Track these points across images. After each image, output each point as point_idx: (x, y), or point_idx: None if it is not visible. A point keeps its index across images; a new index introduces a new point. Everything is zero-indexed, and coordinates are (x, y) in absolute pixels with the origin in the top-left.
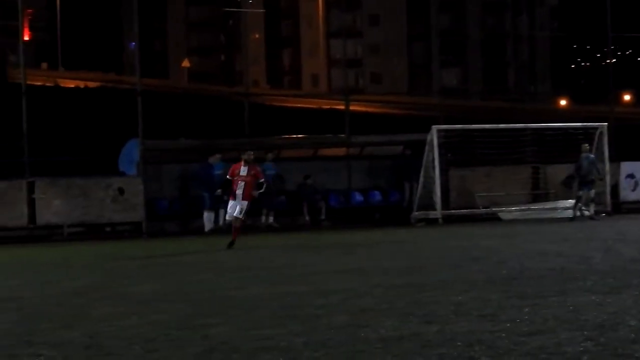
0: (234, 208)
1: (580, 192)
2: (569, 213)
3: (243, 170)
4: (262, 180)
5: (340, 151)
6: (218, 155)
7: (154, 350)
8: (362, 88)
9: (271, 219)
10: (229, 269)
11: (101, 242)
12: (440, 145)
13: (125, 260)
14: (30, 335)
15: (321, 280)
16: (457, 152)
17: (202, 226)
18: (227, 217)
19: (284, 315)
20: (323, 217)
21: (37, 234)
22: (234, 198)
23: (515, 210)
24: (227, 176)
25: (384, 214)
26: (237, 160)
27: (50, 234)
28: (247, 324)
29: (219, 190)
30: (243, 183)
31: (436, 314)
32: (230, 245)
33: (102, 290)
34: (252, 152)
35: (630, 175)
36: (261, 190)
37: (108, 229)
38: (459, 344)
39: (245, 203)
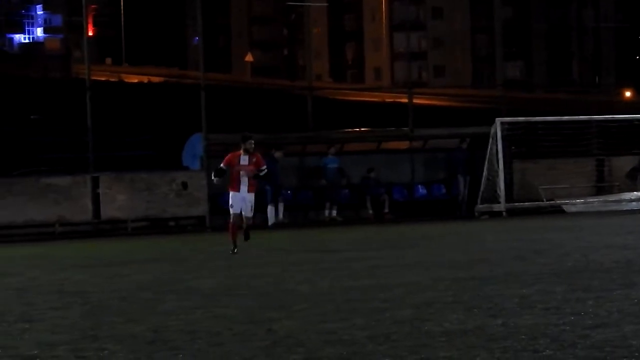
0: (241, 204)
1: None
2: (634, 205)
3: (243, 160)
4: (264, 167)
5: (404, 144)
6: (281, 152)
7: (218, 344)
8: (425, 81)
9: (334, 213)
10: (292, 263)
11: (165, 236)
12: (503, 138)
13: (190, 254)
14: (95, 330)
15: (385, 274)
16: (521, 144)
17: (266, 220)
18: (233, 213)
19: (348, 309)
20: (386, 210)
21: (101, 228)
22: (237, 190)
23: (580, 203)
24: (222, 165)
25: (446, 207)
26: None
27: (114, 229)
28: (311, 318)
29: (215, 179)
30: (245, 173)
31: (500, 307)
32: (234, 249)
33: (166, 285)
34: (253, 141)
35: None
36: (262, 174)
37: (172, 223)
38: (523, 337)
39: (253, 197)
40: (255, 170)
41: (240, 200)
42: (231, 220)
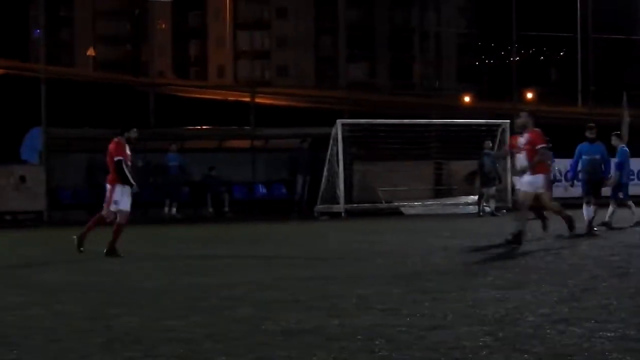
0: (128, 199)
1: (484, 189)
2: (471, 209)
3: (129, 150)
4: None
5: (245, 143)
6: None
7: (54, 340)
8: (268, 80)
9: (174, 210)
10: (133, 260)
11: (2, 230)
12: (344, 139)
13: (28, 249)
14: None
15: (225, 272)
16: (362, 146)
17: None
18: (125, 210)
19: (187, 307)
20: (226, 208)
21: None
22: (128, 184)
23: (418, 205)
24: (119, 158)
25: (286, 206)
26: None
27: None
28: (150, 315)
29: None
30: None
31: (339, 307)
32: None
33: (4, 280)
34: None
35: None
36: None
37: (8, 217)
38: (360, 337)
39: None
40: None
41: (128, 196)
42: (123, 220)
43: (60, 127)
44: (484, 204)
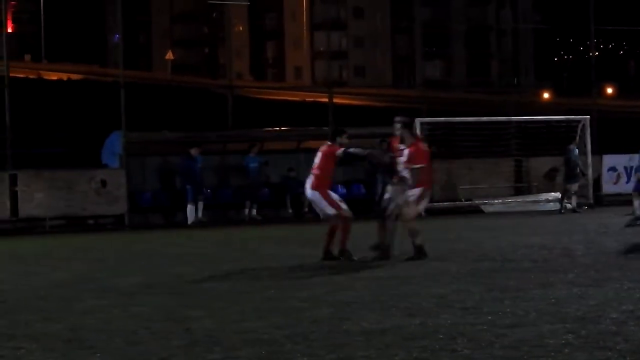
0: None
1: (567, 185)
2: (551, 206)
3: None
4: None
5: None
6: (197, 148)
7: (135, 343)
8: (345, 81)
9: (254, 211)
10: (212, 262)
11: (84, 234)
12: (423, 138)
13: (108, 252)
14: (11, 329)
15: (305, 273)
16: (441, 144)
17: (186, 219)
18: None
19: (267, 308)
20: (306, 209)
21: (19, 226)
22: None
23: (498, 203)
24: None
25: (366, 206)
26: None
27: (32, 227)
28: (229, 317)
29: None
30: None
31: (418, 307)
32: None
33: (84, 283)
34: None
35: (613, 168)
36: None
37: (91, 221)
38: (441, 336)
39: None
40: None
41: None
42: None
43: (139, 131)
44: (566, 201)
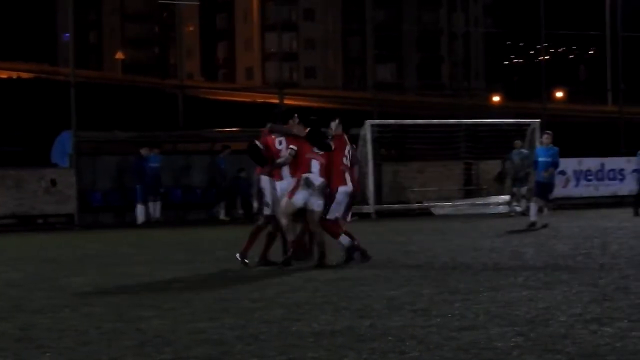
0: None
1: (514, 189)
2: (501, 209)
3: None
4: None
5: None
6: (148, 148)
7: (86, 343)
8: (296, 82)
9: (223, 212)
10: (163, 262)
11: (33, 234)
12: (373, 140)
13: (59, 252)
14: None
15: (255, 273)
16: (391, 147)
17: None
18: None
19: (218, 309)
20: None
21: None
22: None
23: (448, 206)
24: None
25: None
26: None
27: None
28: (180, 317)
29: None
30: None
31: (369, 309)
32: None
33: (35, 283)
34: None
35: (562, 172)
36: None
37: (40, 220)
38: (390, 338)
39: None
40: None
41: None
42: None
43: (89, 130)
44: (515, 204)
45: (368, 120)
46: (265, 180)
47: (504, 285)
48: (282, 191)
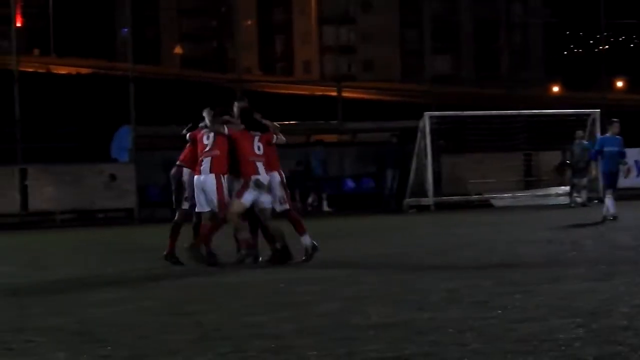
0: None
1: (574, 180)
2: (562, 200)
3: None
4: None
5: (333, 138)
6: None
7: (144, 336)
8: (354, 75)
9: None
10: (222, 255)
11: (93, 228)
12: (432, 132)
13: (118, 246)
14: (21, 322)
15: (312, 266)
16: (449, 139)
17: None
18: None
19: (275, 302)
20: (316, 203)
21: (29, 220)
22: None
23: (508, 197)
24: None
25: (375, 200)
26: None
27: (42, 221)
28: (238, 311)
29: None
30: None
31: (428, 301)
32: None
33: (94, 277)
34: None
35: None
36: None
37: (100, 215)
38: (450, 330)
39: None
40: None
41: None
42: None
43: (148, 125)
44: (575, 195)
45: (426, 112)
46: (186, 173)
47: (564, 277)
48: (198, 185)
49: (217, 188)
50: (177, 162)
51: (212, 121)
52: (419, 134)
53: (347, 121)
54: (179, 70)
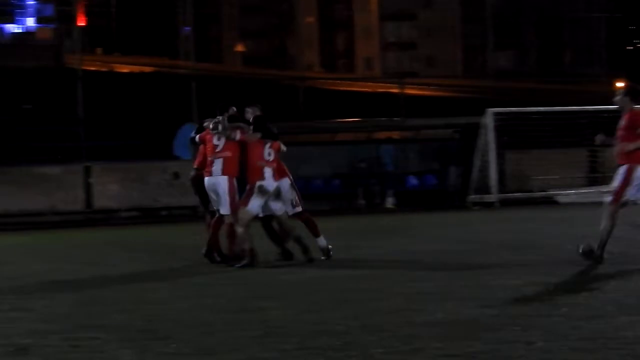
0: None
1: None
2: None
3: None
4: None
5: (395, 135)
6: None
7: (210, 333)
8: (416, 71)
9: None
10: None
11: (157, 226)
12: (495, 128)
13: (181, 243)
14: (87, 319)
15: (376, 263)
16: (513, 135)
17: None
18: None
19: (340, 299)
20: (379, 200)
21: (93, 217)
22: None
23: (573, 194)
24: None
25: (438, 197)
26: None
27: (106, 218)
28: (303, 308)
29: None
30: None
31: (494, 298)
32: None
33: (159, 274)
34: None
35: None
36: None
37: (164, 212)
38: (516, 328)
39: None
40: None
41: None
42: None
43: None
44: None
45: (489, 109)
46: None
47: (632, 274)
48: (210, 187)
49: (229, 190)
50: (195, 167)
51: (225, 127)
52: (482, 130)
53: (410, 118)
54: (241, 68)
